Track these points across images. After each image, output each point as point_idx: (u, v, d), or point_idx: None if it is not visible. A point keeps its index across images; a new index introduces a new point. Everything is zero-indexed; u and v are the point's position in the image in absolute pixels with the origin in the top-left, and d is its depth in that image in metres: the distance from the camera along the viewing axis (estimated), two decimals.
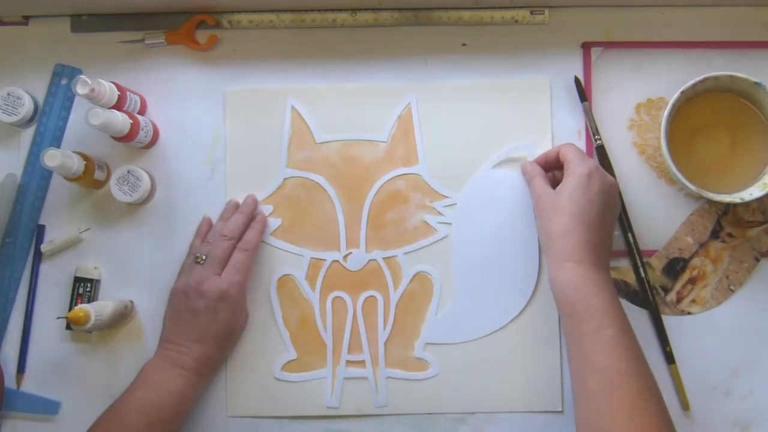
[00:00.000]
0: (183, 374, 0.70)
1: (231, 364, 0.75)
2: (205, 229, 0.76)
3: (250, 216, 0.75)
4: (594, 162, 0.70)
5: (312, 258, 0.76)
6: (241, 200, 0.76)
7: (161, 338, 0.72)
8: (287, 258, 0.76)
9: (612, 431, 0.59)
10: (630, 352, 0.63)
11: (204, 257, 0.72)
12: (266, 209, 0.76)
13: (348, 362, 0.75)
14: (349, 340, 0.75)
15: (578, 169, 0.68)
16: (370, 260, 0.76)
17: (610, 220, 0.69)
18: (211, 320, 0.71)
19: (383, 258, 0.76)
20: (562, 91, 0.76)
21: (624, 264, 0.75)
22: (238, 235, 0.74)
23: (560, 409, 0.74)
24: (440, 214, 0.76)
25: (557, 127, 0.76)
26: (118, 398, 0.69)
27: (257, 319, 0.75)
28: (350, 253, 0.76)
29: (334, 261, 0.76)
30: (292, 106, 0.77)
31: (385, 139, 0.76)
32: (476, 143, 0.76)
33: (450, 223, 0.76)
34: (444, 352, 0.74)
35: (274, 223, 0.76)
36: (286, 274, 0.76)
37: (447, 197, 0.76)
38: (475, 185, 0.76)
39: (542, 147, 0.75)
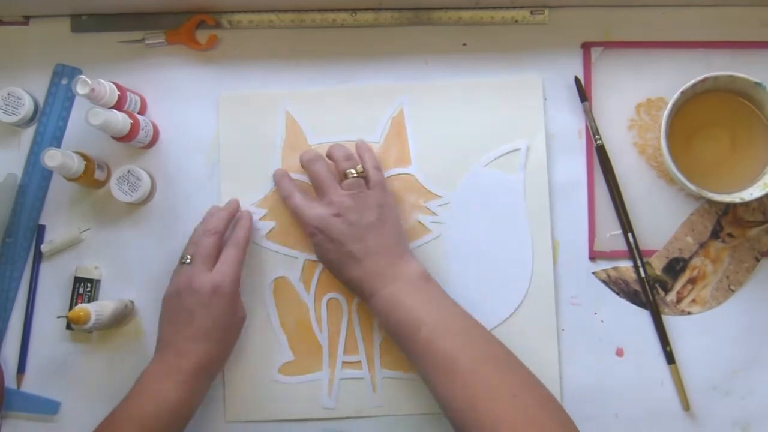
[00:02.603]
0: (182, 380, 0.68)
1: (228, 368, 0.75)
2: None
3: (233, 214, 0.75)
4: (320, 212, 0.71)
5: (306, 260, 0.76)
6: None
7: (158, 343, 0.71)
8: (282, 260, 0.76)
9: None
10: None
11: (189, 257, 0.71)
12: (260, 212, 0.76)
13: (344, 363, 0.75)
14: (345, 342, 0.75)
15: (306, 224, 0.72)
16: None
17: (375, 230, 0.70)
18: (206, 316, 0.69)
19: None
20: (562, 91, 0.76)
21: (624, 264, 0.75)
22: (222, 230, 0.72)
23: None
24: (434, 213, 0.76)
25: (557, 127, 0.76)
26: (115, 409, 0.67)
27: (254, 321, 0.75)
28: None
29: None
30: (286, 110, 0.77)
31: (378, 140, 0.76)
32: (469, 142, 0.76)
33: (444, 223, 0.76)
34: None
35: (267, 226, 0.76)
36: (281, 277, 0.76)
37: (440, 197, 0.76)
38: (467, 184, 0.76)
39: (535, 145, 0.75)
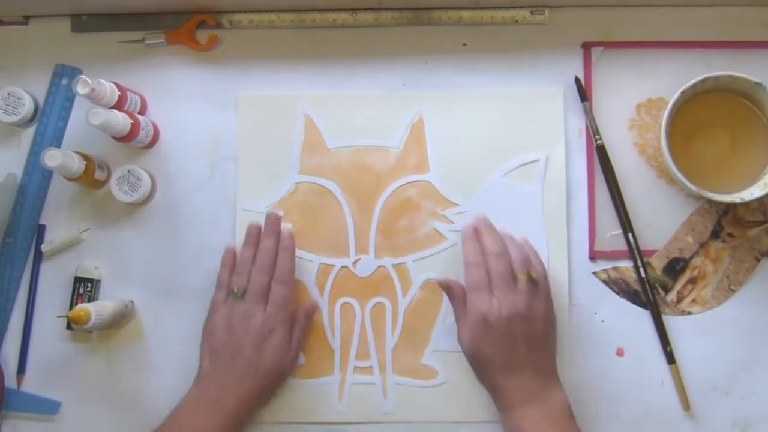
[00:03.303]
0: (223, 415, 0.67)
1: None
2: (231, 260, 0.73)
3: (278, 238, 0.73)
4: (489, 300, 0.68)
5: (321, 264, 0.75)
6: (254, 219, 0.74)
7: (198, 376, 0.70)
8: (297, 264, 0.75)
9: None
10: None
11: (241, 291, 0.70)
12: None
13: (356, 368, 0.74)
14: (357, 347, 0.75)
15: (472, 311, 0.68)
16: (379, 267, 0.75)
17: (533, 347, 0.67)
18: (256, 357, 0.68)
19: (392, 265, 0.75)
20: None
21: (624, 264, 0.75)
22: (273, 265, 0.72)
23: None
24: (450, 222, 0.75)
25: None
26: None
27: None
28: (359, 259, 0.75)
29: (343, 267, 0.75)
30: (305, 113, 0.77)
31: (397, 146, 0.76)
32: (487, 151, 0.76)
33: (460, 231, 0.75)
34: (452, 359, 0.74)
35: (283, 228, 0.76)
36: (295, 280, 0.75)
37: (457, 205, 0.75)
38: (484, 193, 0.75)
39: (554, 157, 0.75)
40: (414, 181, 0.76)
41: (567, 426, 0.67)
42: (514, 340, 0.67)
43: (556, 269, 0.74)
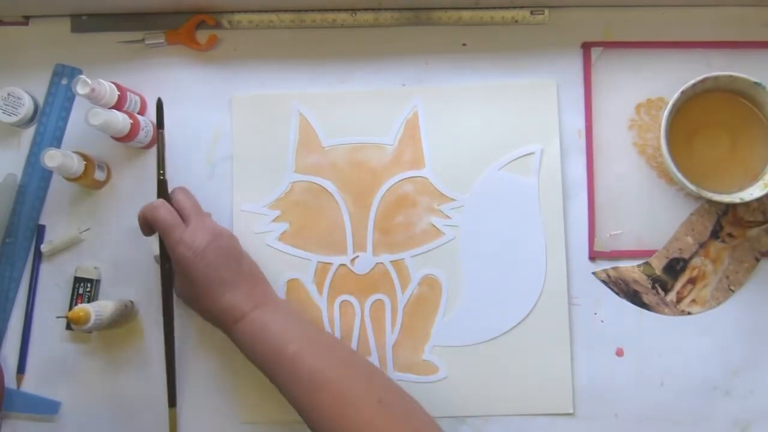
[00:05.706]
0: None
1: (242, 369, 0.74)
2: None
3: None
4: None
5: (319, 262, 0.75)
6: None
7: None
8: (294, 262, 0.75)
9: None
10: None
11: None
12: (273, 214, 0.76)
13: None
14: (358, 344, 0.75)
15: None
16: (377, 264, 0.75)
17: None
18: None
19: (390, 261, 0.75)
20: (561, 92, 0.76)
21: (624, 264, 0.75)
22: None
23: (571, 411, 0.73)
24: (447, 216, 0.75)
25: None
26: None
27: None
28: (357, 256, 0.75)
29: (341, 265, 0.75)
30: (299, 112, 0.77)
31: (392, 142, 0.76)
32: (483, 145, 0.76)
33: (457, 226, 0.75)
34: (453, 355, 0.74)
35: (280, 227, 0.76)
36: (293, 279, 0.75)
37: (454, 200, 0.76)
38: (481, 187, 0.76)
39: (549, 149, 0.75)
40: (410, 177, 0.76)
41: (294, 313, 0.71)
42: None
43: (555, 265, 0.74)
